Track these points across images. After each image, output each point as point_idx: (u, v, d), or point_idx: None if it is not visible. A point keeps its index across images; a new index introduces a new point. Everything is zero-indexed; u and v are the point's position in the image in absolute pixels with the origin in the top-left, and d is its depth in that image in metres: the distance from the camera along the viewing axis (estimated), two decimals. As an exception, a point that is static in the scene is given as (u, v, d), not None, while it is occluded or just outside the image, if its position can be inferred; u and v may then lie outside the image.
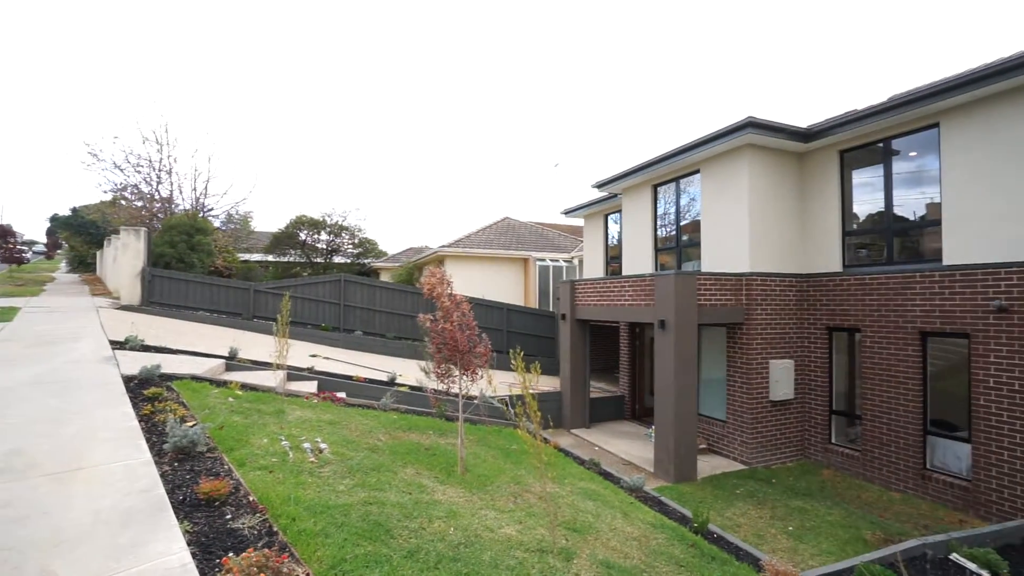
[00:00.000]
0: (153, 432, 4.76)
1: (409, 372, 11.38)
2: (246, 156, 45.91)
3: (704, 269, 9.95)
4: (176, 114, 35.17)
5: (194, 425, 4.83)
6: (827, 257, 9.24)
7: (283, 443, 5.19)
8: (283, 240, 25.23)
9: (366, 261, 27.68)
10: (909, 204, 8.20)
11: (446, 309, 5.41)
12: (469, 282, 18.96)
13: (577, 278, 17.24)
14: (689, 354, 8.31)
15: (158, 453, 4.28)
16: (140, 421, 4.99)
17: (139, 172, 20.72)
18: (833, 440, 9.06)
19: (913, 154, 8.15)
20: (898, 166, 8.34)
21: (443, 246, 20.24)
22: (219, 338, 11.74)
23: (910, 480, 7.73)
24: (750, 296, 9.03)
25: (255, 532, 3.26)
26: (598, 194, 14.39)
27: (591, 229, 16.07)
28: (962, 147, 7.34)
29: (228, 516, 3.40)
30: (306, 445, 5.29)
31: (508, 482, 5.62)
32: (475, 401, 6.33)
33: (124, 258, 14.43)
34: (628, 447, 9.93)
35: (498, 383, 9.17)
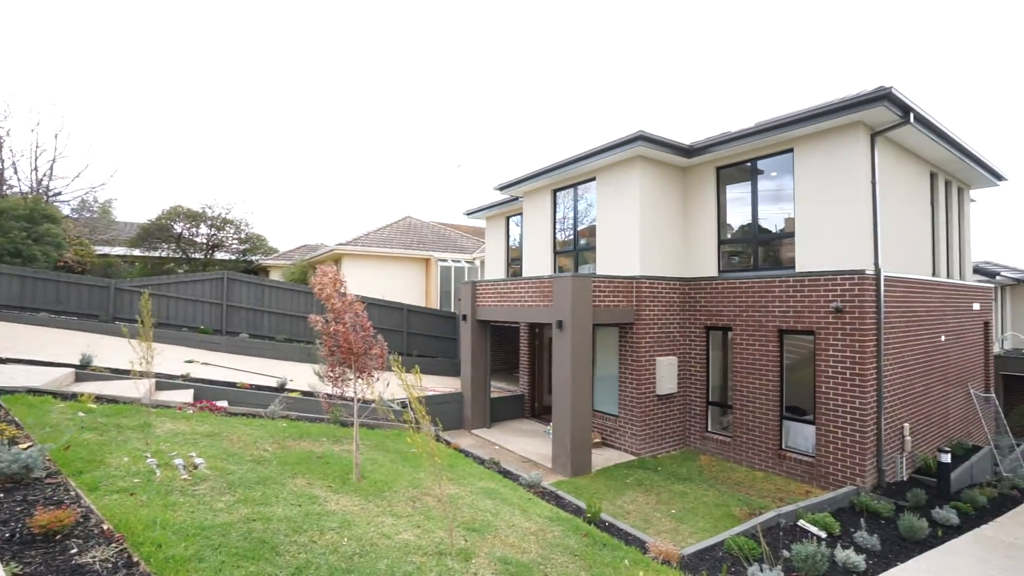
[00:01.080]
0: (-28, 457, 3.97)
1: (301, 377, 10.68)
2: (108, 135, 40.02)
3: (599, 272, 10.51)
4: (8, 79, 29.59)
5: (29, 447, 4.11)
6: (705, 263, 10.22)
7: (149, 460, 4.61)
8: (154, 233, 22.38)
9: (254, 258, 25.51)
10: (771, 218, 9.35)
11: (337, 310, 5.16)
12: (368, 282, 18.27)
13: (479, 279, 17.37)
14: (585, 353, 8.73)
15: (-21, 482, 3.58)
16: (-46, 445, 4.14)
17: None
18: (709, 428, 10.05)
19: (774, 174, 9.30)
20: (763, 184, 9.47)
21: (340, 244, 19.29)
22: (69, 344, 10.16)
23: (770, 460, 8.80)
24: (640, 298, 9.71)
25: (109, 565, 2.85)
26: (500, 196, 14.61)
27: (493, 231, 16.26)
28: (810, 171, 8.52)
29: (74, 550, 2.93)
30: (178, 461, 4.75)
31: (406, 486, 5.49)
32: (372, 405, 6.11)
33: (-64, 248, 11.91)
34: (528, 445, 10.19)
35: (396, 385, 8.94)
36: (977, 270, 15.19)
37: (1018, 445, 11.33)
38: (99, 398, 6.64)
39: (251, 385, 9.58)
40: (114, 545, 3.03)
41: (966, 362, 11.22)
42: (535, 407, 12.80)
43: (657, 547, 5.22)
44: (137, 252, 23.01)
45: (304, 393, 9.40)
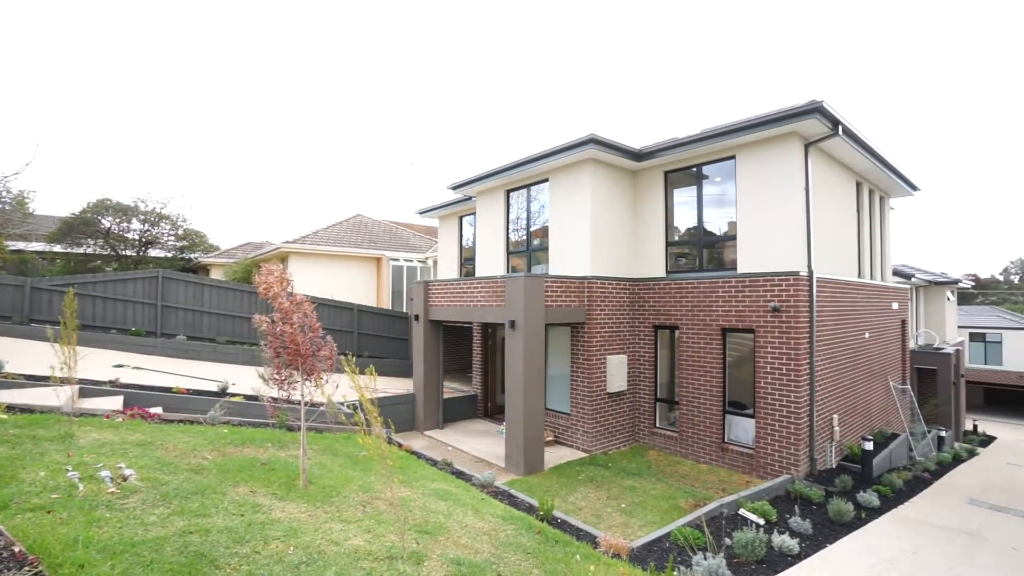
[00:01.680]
0: None
1: (245, 380, 10.20)
2: (23, 119, 36.67)
3: (551, 272, 10.64)
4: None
5: (-72, 462, 3.71)
6: (654, 264, 10.55)
7: (70, 474, 4.27)
8: (78, 227, 20.64)
9: (192, 256, 24.08)
10: (716, 221, 9.76)
11: (285, 310, 4.96)
12: (317, 281, 17.68)
13: (431, 279, 17.18)
14: (537, 352, 8.81)
15: None
16: None
17: None
18: (657, 424, 10.38)
19: (718, 179, 9.72)
20: (707, 189, 9.88)
21: (287, 242, 18.54)
22: (-25, 348, 9.24)
23: (714, 453, 9.20)
24: (591, 298, 9.90)
25: (23, 588, 2.61)
26: (453, 196, 14.51)
27: (446, 230, 16.13)
28: (750, 177, 8.97)
29: (-20, 574, 2.67)
30: (104, 473, 4.42)
31: (356, 491, 5.35)
32: (320, 408, 5.92)
33: None
34: (481, 445, 10.17)
35: (348, 387, 8.69)
36: (895, 272, 16.50)
37: (928, 432, 12.41)
38: (11, 407, 6.08)
39: (189, 390, 9.05)
40: (27, 569, 2.78)
41: (886, 357, 12.15)
42: (488, 407, 12.79)
43: (608, 541, 5.34)
44: (58, 248, 21.19)
45: (248, 397, 8.98)
